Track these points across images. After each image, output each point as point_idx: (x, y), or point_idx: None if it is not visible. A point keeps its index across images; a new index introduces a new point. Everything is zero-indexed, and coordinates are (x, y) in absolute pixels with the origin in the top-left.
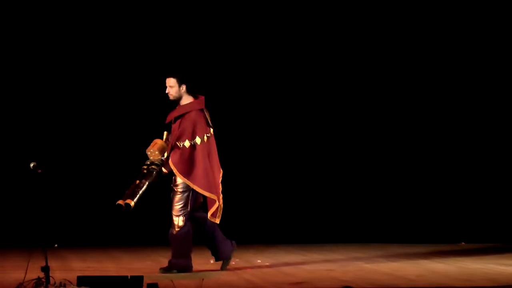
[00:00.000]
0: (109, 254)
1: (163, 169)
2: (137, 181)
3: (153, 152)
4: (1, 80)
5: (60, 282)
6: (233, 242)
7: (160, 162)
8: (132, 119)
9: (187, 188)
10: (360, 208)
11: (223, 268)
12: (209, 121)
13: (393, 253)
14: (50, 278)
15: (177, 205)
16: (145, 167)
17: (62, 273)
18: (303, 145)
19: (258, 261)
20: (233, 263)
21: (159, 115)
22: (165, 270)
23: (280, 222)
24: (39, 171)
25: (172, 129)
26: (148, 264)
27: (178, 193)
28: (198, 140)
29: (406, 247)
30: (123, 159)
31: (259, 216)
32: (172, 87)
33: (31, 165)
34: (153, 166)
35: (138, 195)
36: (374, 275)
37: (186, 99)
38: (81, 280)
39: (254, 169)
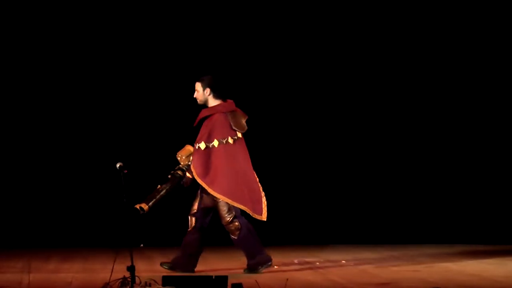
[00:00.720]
0: None
1: (187, 174)
2: (159, 186)
3: (181, 157)
4: (87, 82)
5: (146, 282)
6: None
7: (186, 167)
8: None
9: None
10: (443, 208)
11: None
12: (233, 125)
13: (477, 253)
14: (136, 277)
15: (223, 212)
16: (172, 172)
17: (148, 272)
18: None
19: (343, 261)
20: (318, 263)
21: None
22: (249, 270)
23: (360, 222)
24: (125, 171)
25: None
26: (233, 264)
27: (219, 201)
28: (215, 142)
29: (489, 247)
30: None
31: (340, 216)
32: (198, 91)
33: (117, 165)
34: (178, 172)
35: (154, 200)
36: (460, 276)
37: (213, 103)
38: (166, 279)
39: (332, 170)
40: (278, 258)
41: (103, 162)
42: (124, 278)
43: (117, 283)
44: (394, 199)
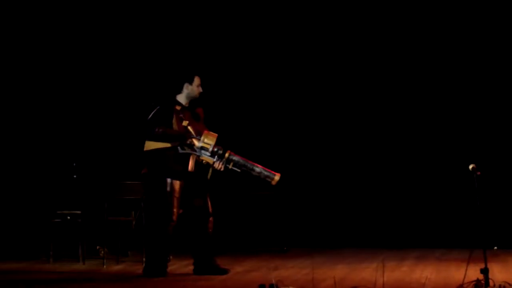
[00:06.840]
0: None
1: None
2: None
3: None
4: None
5: (500, 285)
6: None
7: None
8: None
9: None
10: None
11: None
12: None
13: None
14: (489, 280)
15: None
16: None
17: (502, 275)
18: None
19: None
20: None
21: None
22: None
23: None
24: (478, 173)
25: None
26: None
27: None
28: None
29: None
30: None
31: None
32: None
33: (470, 167)
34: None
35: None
36: None
37: None
38: None
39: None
40: None
41: (456, 164)
42: (478, 280)
43: (471, 285)
44: None
